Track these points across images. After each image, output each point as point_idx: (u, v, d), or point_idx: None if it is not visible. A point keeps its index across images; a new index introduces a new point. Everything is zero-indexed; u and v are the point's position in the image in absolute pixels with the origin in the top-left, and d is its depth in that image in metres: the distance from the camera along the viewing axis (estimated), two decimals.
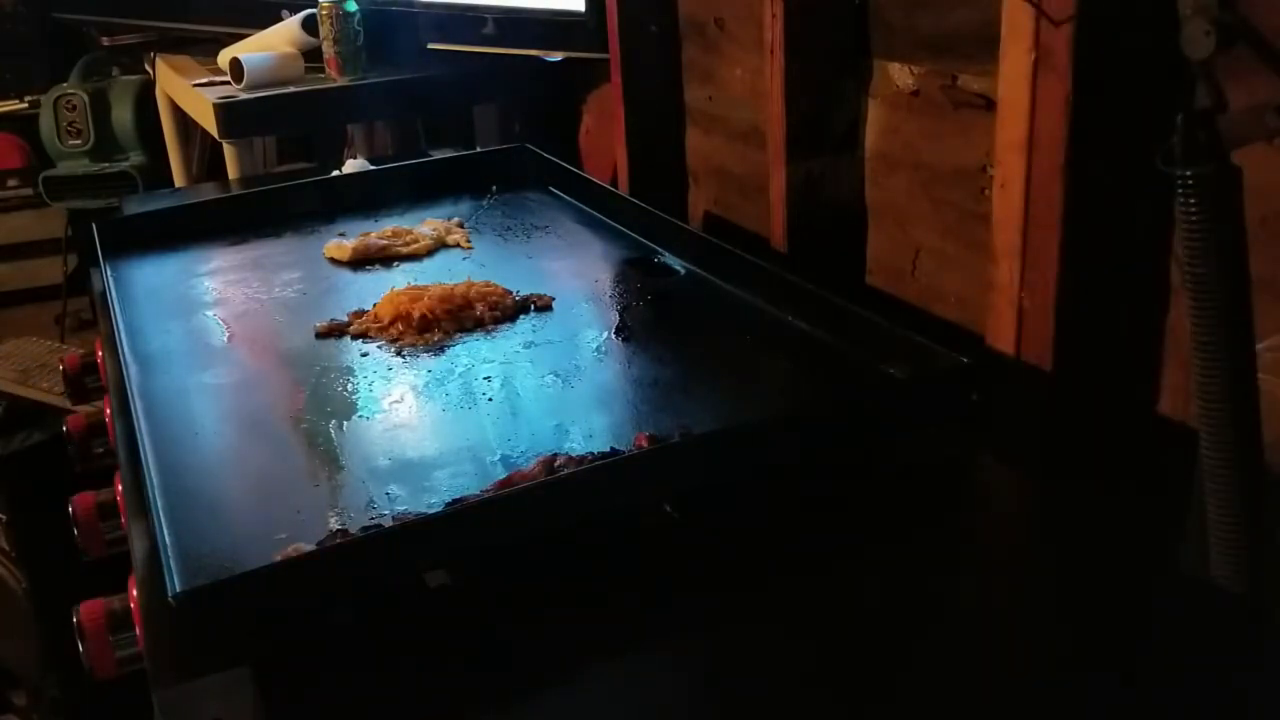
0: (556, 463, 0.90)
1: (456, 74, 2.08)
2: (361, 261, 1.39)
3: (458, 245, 1.44)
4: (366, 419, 1.02)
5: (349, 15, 2.02)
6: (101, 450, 1.19)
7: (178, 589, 0.75)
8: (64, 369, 1.36)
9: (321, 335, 1.20)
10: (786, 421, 0.96)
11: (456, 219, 1.51)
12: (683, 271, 1.32)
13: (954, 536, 0.89)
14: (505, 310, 1.22)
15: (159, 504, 0.85)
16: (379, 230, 1.46)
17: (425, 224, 1.47)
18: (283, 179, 2.00)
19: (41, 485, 1.82)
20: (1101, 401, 1.01)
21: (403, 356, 1.14)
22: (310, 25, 2.07)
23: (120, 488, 1.00)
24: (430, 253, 1.42)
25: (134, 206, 1.76)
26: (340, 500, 0.89)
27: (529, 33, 1.90)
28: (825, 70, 1.30)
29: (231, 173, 2.04)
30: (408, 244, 1.42)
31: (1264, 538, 0.85)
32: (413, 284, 1.27)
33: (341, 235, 1.46)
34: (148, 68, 2.71)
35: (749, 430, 0.95)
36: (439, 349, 1.15)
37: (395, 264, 1.39)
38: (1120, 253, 0.98)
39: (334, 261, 1.40)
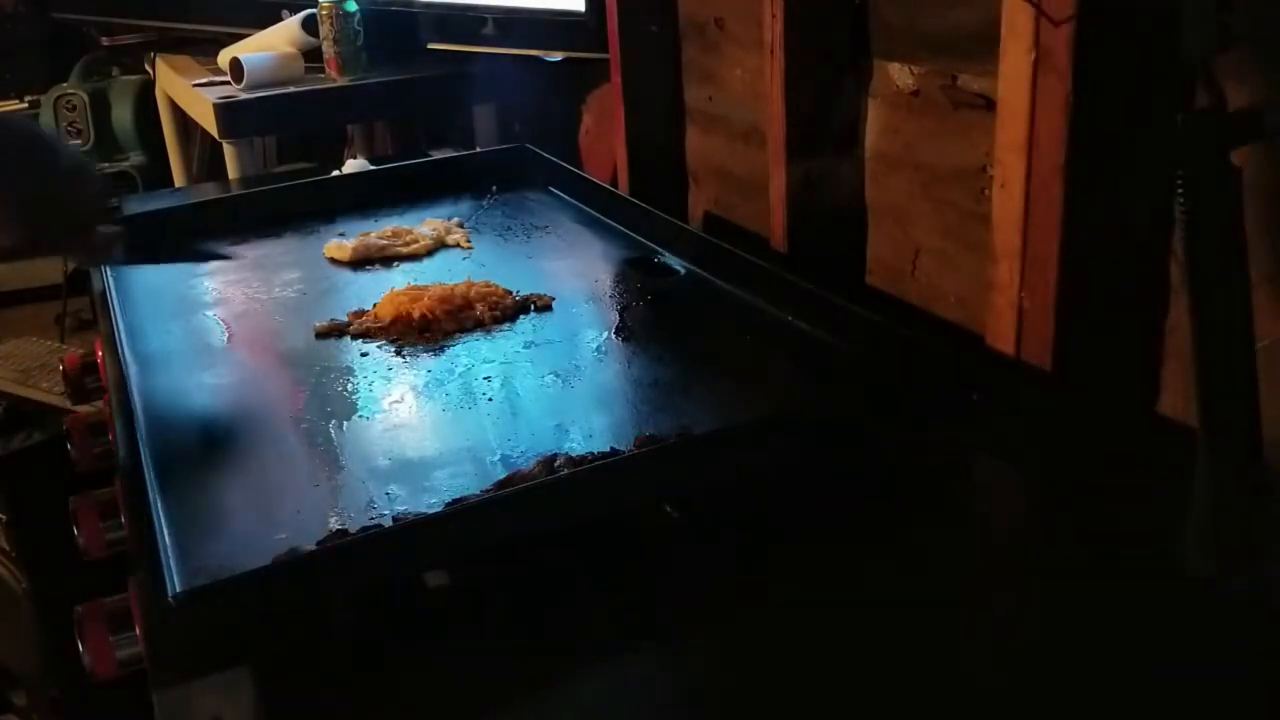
0: (556, 463, 0.90)
1: (456, 74, 2.09)
2: (361, 261, 1.39)
3: (458, 245, 1.44)
4: (366, 419, 1.02)
5: (349, 15, 2.02)
6: (101, 450, 1.19)
7: (178, 589, 0.75)
8: (64, 369, 1.36)
9: (321, 335, 1.20)
10: (785, 421, 0.96)
11: (456, 219, 1.51)
12: (683, 271, 1.32)
13: (953, 536, 0.89)
14: (505, 310, 1.22)
15: (159, 504, 0.85)
16: (379, 230, 1.46)
17: (425, 224, 1.47)
18: (283, 179, 2.00)
19: (41, 485, 1.82)
20: (1101, 401, 1.01)
21: (403, 356, 1.14)
22: (310, 25, 2.07)
23: (120, 488, 1.00)
24: (430, 253, 1.42)
25: (134, 206, 1.76)
26: (340, 500, 0.89)
27: (529, 33, 1.90)
28: (825, 70, 1.30)
29: (231, 173, 2.04)
30: (408, 244, 1.42)
31: (1264, 537, 0.85)
32: (413, 284, 1.27)
33: (341, 235, 1.46)
34: (148, 68, 2.71)
35: (749, 430, 0.95)
36: (439, 349, 1.15)
37: (395, 264, 1.39)
38: (1120, 253, 0.98)
39: (334, 261, 1.40)
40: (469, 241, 1.45)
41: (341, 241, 1.42)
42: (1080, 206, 0.96)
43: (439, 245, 1.43)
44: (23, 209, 0.98)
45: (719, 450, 0.91)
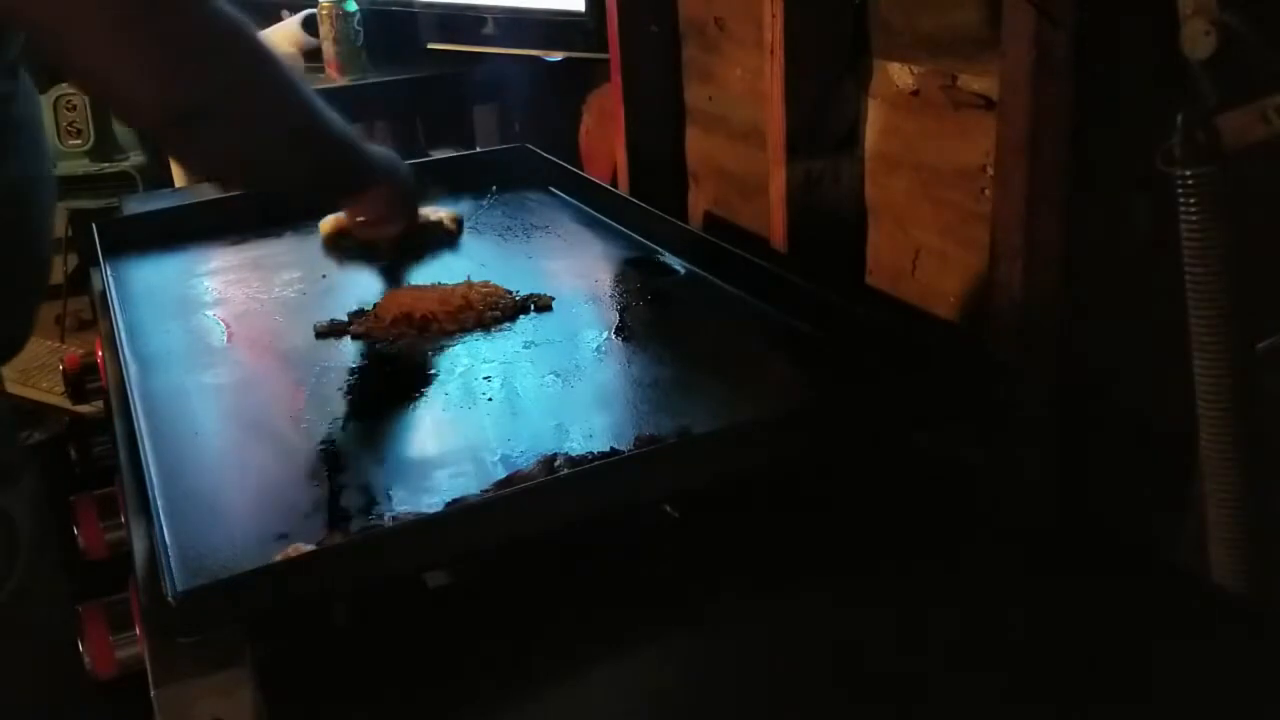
0: (556, 463, 0.90)
1: (456, 74, 2.08)
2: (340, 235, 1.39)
3: (440, 223, 1.42)
4: (367, 419, 1.02)
5: (349, 15, 2.02)
6: (101, 450, 1.19)
7: (178, 589, 0.75)
8: (64, 369, 1.36)
9: (321, 335, 1.19)
10: (787, 421, 0.96)
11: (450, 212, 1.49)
12: (683, 271, 1.32)
13: (954, 536, 0.89)
14: (505, 310, 1.22)
15: (159, 504, 0.85)
16: None
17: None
18: None
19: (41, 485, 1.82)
20: (1102, 401, 1.01)
21: (403, 356, 1.14)
22: (310, 25, 2.07)
23: (120, 488, 1.00)
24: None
25: (134, 206, 1.76)
26: (340, 500, 0.89)
27: (529, 33, 1.90)
28: (825, 70, 1.30)
29: None
30: None
31: (1264, 538, 0.85)
32: (413, 284, 1.27)
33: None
34: None
35: (749, 430, 0.95)
36: (439, 349, 1.15)
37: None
38: (1121, 253, 0.98)
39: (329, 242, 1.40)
40: (454, 223, 1.43)
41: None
42: (1080, 207, 0.96)
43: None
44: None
45: (719, 450, 0.91)
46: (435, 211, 1.45)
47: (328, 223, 1.41)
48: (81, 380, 1.35)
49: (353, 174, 1.18)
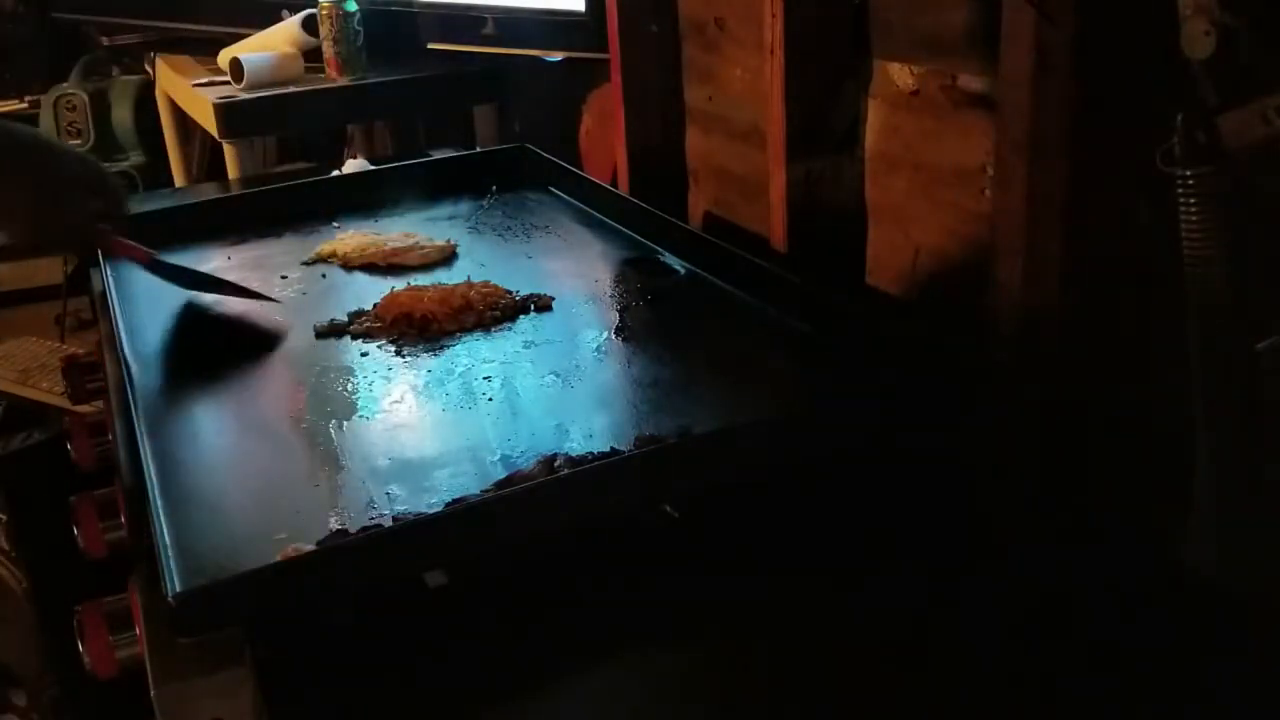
0: (556, 463, 0.90)
1: (456, 74, 2.09)
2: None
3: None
4: (366, 419, 1.02)
5: (349, 15, 2.02)
6: (101, 450, 1.19)
7: (178, 589, 0.75)
8: (64, 369, 1.36)
9: (321, 335, 1.20)
10: (786, 422, 0.96)
11: (451, 240, 1.46)
12: (683, 271, 1.32)
13: (953, 537, 0.89)
14: (505, 310, 1.22)
15: (159, 504, 0.85)
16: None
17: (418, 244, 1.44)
18: (283, 179, 2.00)
19: (41, 485, 1.82)
20: (1102, 401, 1.01)
21: (403, 356, 1.14)
22: (310, 25, 2.08)
23: (120, 488, 1.00)
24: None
25: (134, 206, 1.76)
26: (340, 500, 0.89)
27: (529, 33, 1.90)
28: (825, 70, 1.30)
29: (231, 173, 2.04)
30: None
31: (1264, 537, 0.85)
32: (413, 284, 1.27)
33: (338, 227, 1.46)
34: (148, 68, 2.71)
35: (748, 430, 0.95)
36: (439, 349, 1.15)
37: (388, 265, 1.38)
38: (1122, 252, 0.98)
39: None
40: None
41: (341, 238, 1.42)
42: (1081, 206, 0.96)
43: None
44: (23, 213, 1.03)
45: (719, 450, 0.91)
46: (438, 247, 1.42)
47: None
48: (81, 380, 1.35)
49: None
